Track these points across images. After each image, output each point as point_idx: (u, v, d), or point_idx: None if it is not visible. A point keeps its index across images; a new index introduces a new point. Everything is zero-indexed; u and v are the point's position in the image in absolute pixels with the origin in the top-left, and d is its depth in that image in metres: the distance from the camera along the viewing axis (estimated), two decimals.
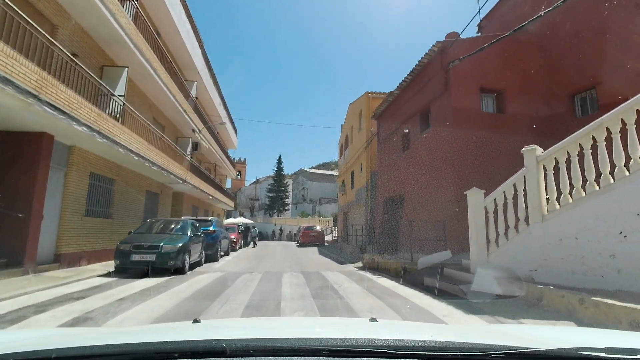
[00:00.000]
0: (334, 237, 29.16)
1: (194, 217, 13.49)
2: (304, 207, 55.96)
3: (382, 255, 11.20)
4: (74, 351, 1.00)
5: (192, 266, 10.47)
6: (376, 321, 1.58)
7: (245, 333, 1.40)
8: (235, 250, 18.65)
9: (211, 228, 12.99)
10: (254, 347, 1.02)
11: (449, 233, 8.93)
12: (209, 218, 13.37)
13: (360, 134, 20.77)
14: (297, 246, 24.25)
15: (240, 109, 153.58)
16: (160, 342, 1.09)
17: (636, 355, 1.00)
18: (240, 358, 0.98)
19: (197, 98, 20.76)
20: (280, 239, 43.65)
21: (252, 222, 42.29)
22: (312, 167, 65.11)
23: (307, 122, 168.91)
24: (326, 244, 24.98)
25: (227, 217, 41.13)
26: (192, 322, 1.53)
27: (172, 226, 10.07)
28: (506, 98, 10.31)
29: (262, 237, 47.86)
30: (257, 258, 14.79)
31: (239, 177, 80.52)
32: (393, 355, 1.00)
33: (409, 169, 12.47)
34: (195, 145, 19.96)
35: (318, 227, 25.81)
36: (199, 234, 11.19)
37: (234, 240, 18.57)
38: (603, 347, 0.99)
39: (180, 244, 8.77)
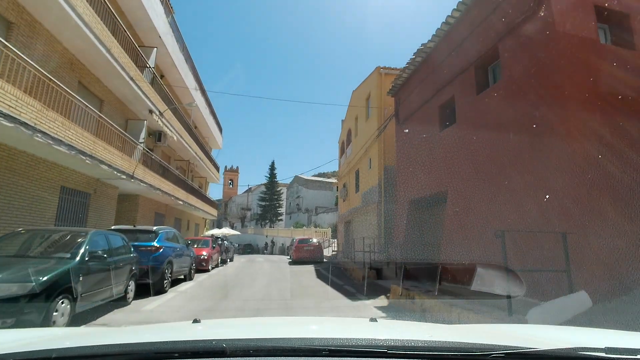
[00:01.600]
0: (333, 251, 24.68)
1: (131, 227, 9.03)
2: (299, 217, 51.38)
3: (425, 290, 6.82)
4: (74, 351, 0.99)
5: (104, 309, 6.05)
6: (376, 321, 1.56)
7: (245, 333, 1.41)
8: (207, 270, 14.15)
9: (154, 243, 8.54)
10: (254, 347, 1.01)
11: (573, 256, 4.61)
12: (153, 228, 8.93)
13: (368, 122, 16.57)
14: (289, 263, 19.72)
15: (232, 115, 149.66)
16: (160, 342, 1.09)
17: (636, 355, 0.98)
18: (240, 358, 0.97)
19: (162, 77, 16.50)
20: (272, 252, 38.98)
21: (237, 232, 37.57)
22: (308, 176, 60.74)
23: (304, 128, 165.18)
24: (325, 259, 20.46)
25: (215, 228, 36.47)
26: (192, 322, 1.52)
27: (59, 242, 5.64)
28: (633, 25, 6.14)
29: (253, 250, 43.32)
30: (227, 286, 10.31)
31: (231, 185, 76.64)
32: (393, 355, 0.98)
33: (454, 153, 8.22)
34: (159, 135, 15.59)
35: (314, 240, 21.32)
36: (124, 254, 6.78)
37: (204, 257, 14.08)
38: (603, 347, 0.98)
39: (44, 279, 4.33)
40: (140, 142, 12.72)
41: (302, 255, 19.13)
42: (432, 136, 9.45)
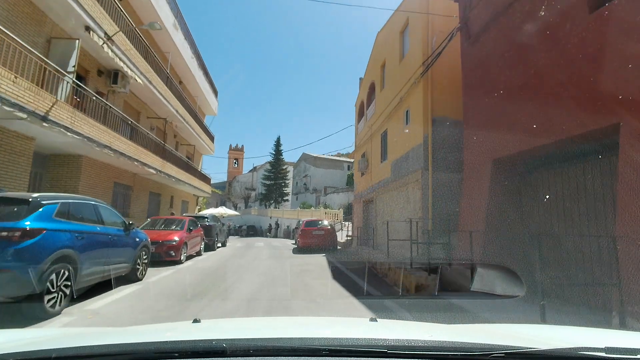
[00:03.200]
0: (347, 236, 20.54)
1: None
2: (306, 198, 47.31)
3: None
4: (74, 351, 0.99)
5: None
6: (376, 321, 1.52)
7: (246, 333, 1.37)
8: (178, 262, 10.13)
9: (25, 224, 4.33)
10: (254, 347, 1.00)
11: None
12: (32, 196, 4.72)
13: (403, 63, 12.01)
14: (293, 251, 15.63)
15: (236, 90, 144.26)
16: (160, 342, 1.09)
17: (636, 355, 0.97)
18: (240, 358, 0.96)
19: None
20: (276, 235, 35.14)
21: (236, 212, 33.47)
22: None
23: (314, 101, 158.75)
24: (339, 247, 16.31)
25: (211, 208, 32.50)
26: (192, 322, 1.48)
27: None
28: None
29: (256, 232, 39.57)
30: (187, 296, 6.13)
31: (236, 165, 73.17)
32: (393, 355, 0.98)
33: None
34: (114, 75, 11.29)
35: (325, 222, 17.08)
36: None
37: (173, 244, 10.02)
38: (603, 347, 0.97)
39: None
40: (69, 72, 8.41)
41: (310, 241, 14.98)
42: (564, 30, 4.95)
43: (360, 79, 21.11)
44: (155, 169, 13.49)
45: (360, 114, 19.69)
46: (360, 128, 19.15)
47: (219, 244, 17.12)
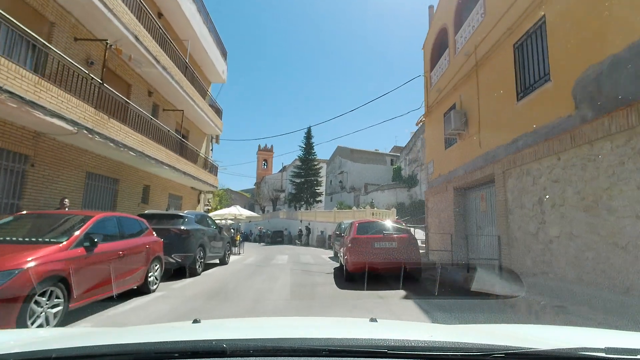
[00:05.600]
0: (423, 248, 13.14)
1: None
2: (342, 197, 40.09)
3: None
4: (74, 351, 0.98)
5: None
6: (376, 321, 1.51)
7: (246, 333, 1.35)
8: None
9: None
10: (254, 347, 1.00)
11: None
12: None
13: None
14: (337, 283, 8.48)
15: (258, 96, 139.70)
16: (160, 342, 1.08)
17: (636, 355, 0.96)
18: (240, 358, 0.96)
19: None
20: (307, 243, 28.29)
21: (254, 214, 26.36)
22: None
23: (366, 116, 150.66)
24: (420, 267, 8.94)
25: (231, 207, 26.19)
26: (192, 322, 1.47)
27: None
28: None
29: (284, 239, 33.01)
30: None
31: (265, 166, 68.15)
32: (393, 355, 0.97)
33: None
34: None
35: (389, 225, 9.77)
36: None
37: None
38: (603, 347, 0.96)
39: None
40: None
41: (372, 260, 7.64)
42: None
43: (430, 6, 13.91)
44: (70, 121, 6.92)
45: (437, 51, 12.36)
46: (440, 71, 11.78)
47: (216, 260, 10.47)
